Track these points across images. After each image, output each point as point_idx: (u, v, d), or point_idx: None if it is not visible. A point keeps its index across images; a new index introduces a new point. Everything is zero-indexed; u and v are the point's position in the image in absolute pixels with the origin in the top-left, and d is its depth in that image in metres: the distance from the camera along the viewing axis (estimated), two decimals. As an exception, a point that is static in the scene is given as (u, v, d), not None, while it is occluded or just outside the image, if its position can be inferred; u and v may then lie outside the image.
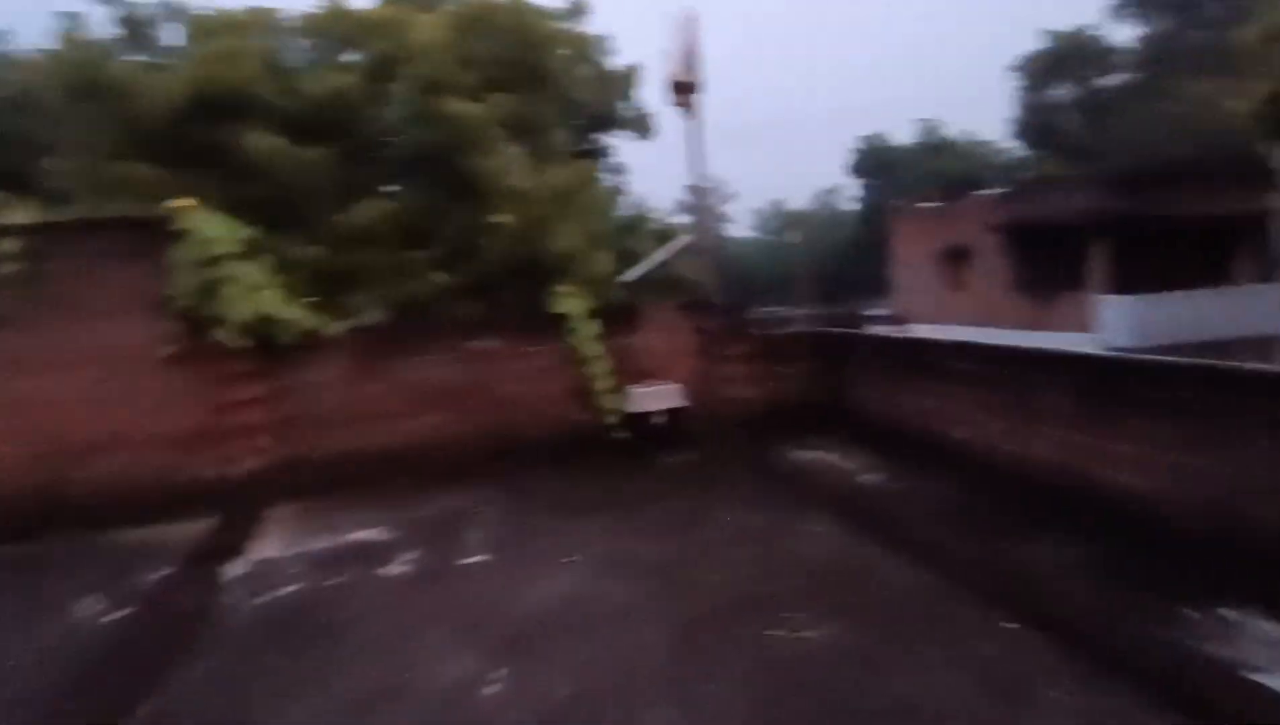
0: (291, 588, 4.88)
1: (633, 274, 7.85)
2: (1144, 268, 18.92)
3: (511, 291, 10.58)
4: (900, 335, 6.87)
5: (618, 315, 7.59)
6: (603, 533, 5.54)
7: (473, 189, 10.93)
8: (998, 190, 24.40)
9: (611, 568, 4.88)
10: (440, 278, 10.63)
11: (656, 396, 7.45)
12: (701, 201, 7.78)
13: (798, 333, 8.52)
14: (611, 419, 7.39)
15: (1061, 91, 38.90)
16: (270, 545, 5.70)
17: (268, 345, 6.68)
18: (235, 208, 11.87)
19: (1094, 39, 38.08)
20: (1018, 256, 21.93)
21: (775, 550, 5.04)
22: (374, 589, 4.78)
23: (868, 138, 49.14)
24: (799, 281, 31.19)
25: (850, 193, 53.52)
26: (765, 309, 41.39)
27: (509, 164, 11.14)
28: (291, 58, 12.91)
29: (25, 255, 6.14)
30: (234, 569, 5.26)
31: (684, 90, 7.52)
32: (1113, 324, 18.73)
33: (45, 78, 12.22)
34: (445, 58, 11.44)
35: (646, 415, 7.42)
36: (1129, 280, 18.95)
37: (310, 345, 6.83)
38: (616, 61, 16.23)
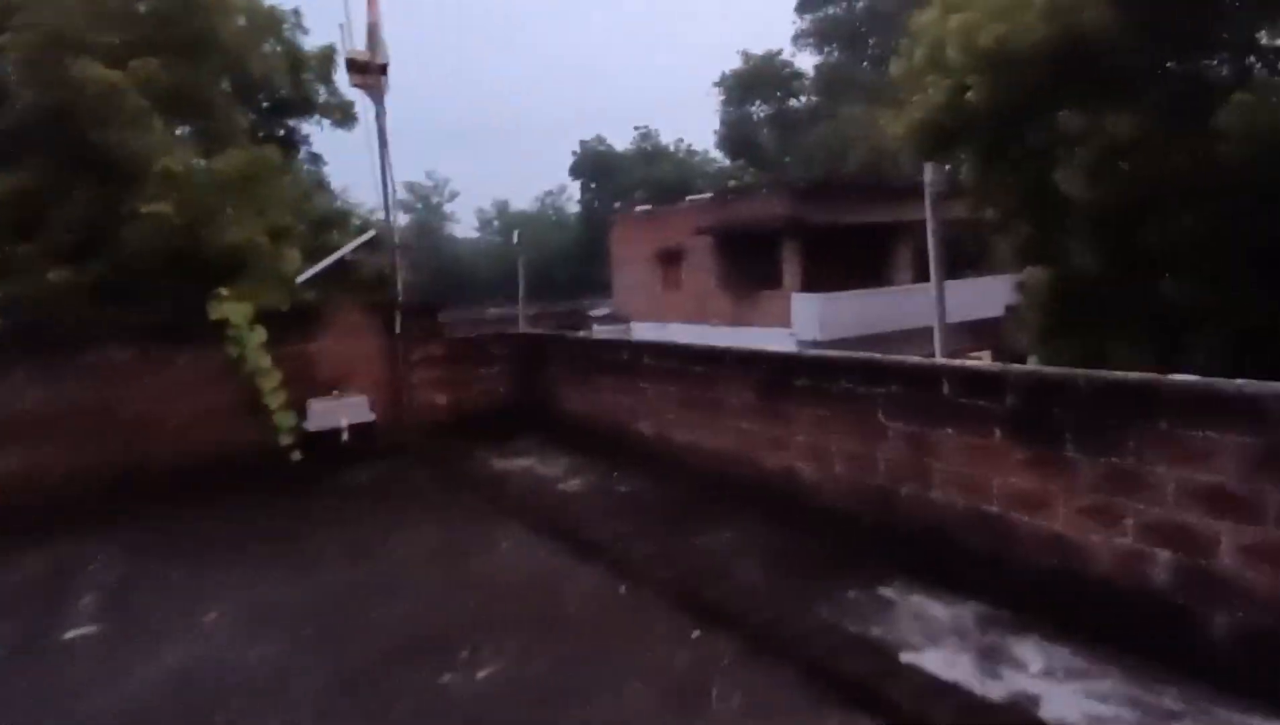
0: None
1: (310, 272, 6.87)
2: (827, 269, 21.09)
3: (165, 293, 8.99)
4: (597, 336, 6.68)
5: (293, 319, 6.61)
6: (253, 576, 4.66)
7: (108, 169, 9.11)
8: (705, 196, 26.01)
9: (259, 620, 4.06)
10: (59, 275, 8.72)
11: (340, 410, 6.59)
12: (388, 192, 7.02)
13: (498, 334, 8.06)
14: (285, 439, 6.40)
15: (758, 109, 42.66)
16: None
17: None
18: None
19: (784, 64, 42.25)
20: (724, 258, 23.48)
21: (460, 573, 4.54)
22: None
23: (588, 142, 50.35)
24: (523, 282, 30.98)
25: (573, 195, 54.62)
26: (491, 309, 40.80)
27: (163, 143, 9.47)
28: None
29: None
30: None
31: (365, 70, 6.73)
32: (803, 318, 20.67)
33: None
34: (73, 6, 9.45)
35: (329, 431, 6.54)
36: (815, 280, 21.04)
37: None
38: (311, 41, 14.74)
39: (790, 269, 21.51)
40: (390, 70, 7.04)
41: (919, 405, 4.00)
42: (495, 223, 56.18)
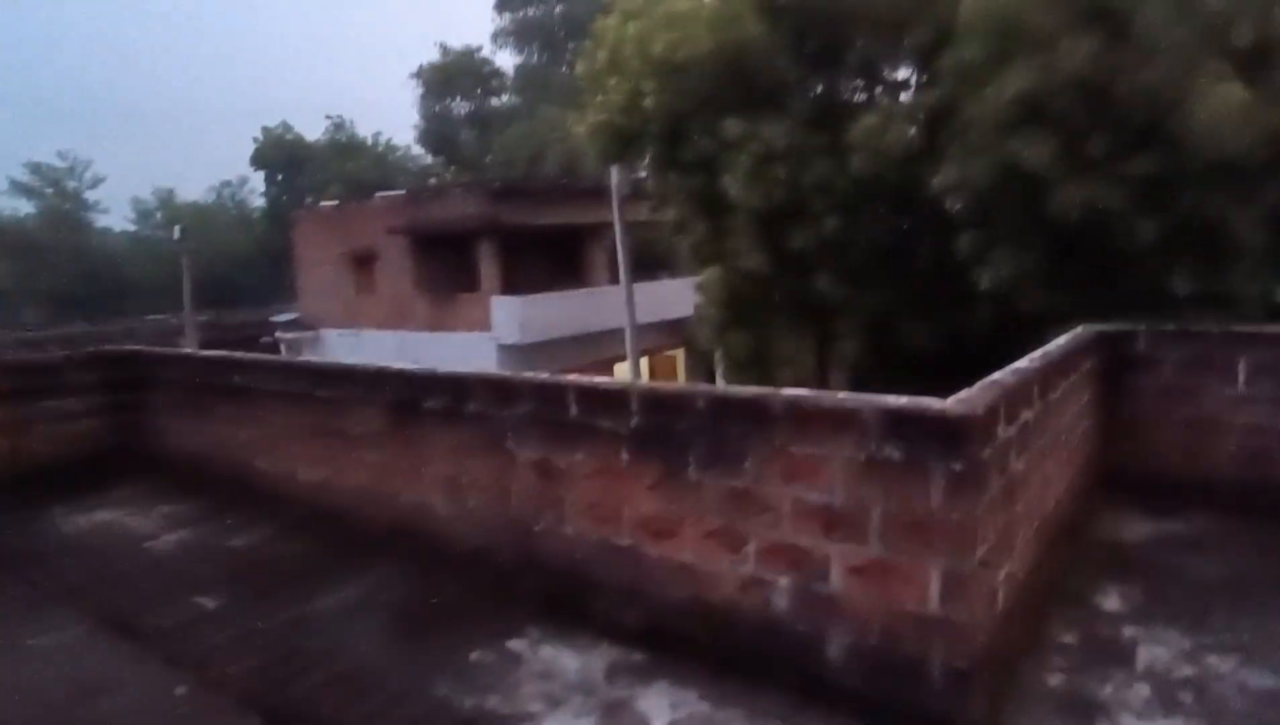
0: None
1: None
2: (526, 271, 20.83)
3: None
4: (211, 353, 5.54)
5: None
6: None
7: None
8: (398, 193, 24.50)
9: None
10: None
11: None
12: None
13: (84, 354, 6.42)
14: None
15: (458, 105, 41.54)
16: None
17: None
18: None
19: (483, 61, 41.54)
20: (420, 260, 22.25)
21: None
22: None
23: (272, 129, 45.73)
24: (190, 285, 27.10)
25: (256, 188, 49.43)
26: (150, 317, 35.36)
27: None
28: None
29: None
30: None
31: None
32: (503, 322, 20.18)
33: None
34: None
35: None
36: (515, 282, 20.64)
37: None
38: None
39: (489, 271, 20.91)
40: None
41: (549, 427, 3.55)
42: (158, 216, 48.69)
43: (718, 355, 15.13)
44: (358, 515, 4.54)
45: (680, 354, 23.70)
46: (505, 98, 41.56)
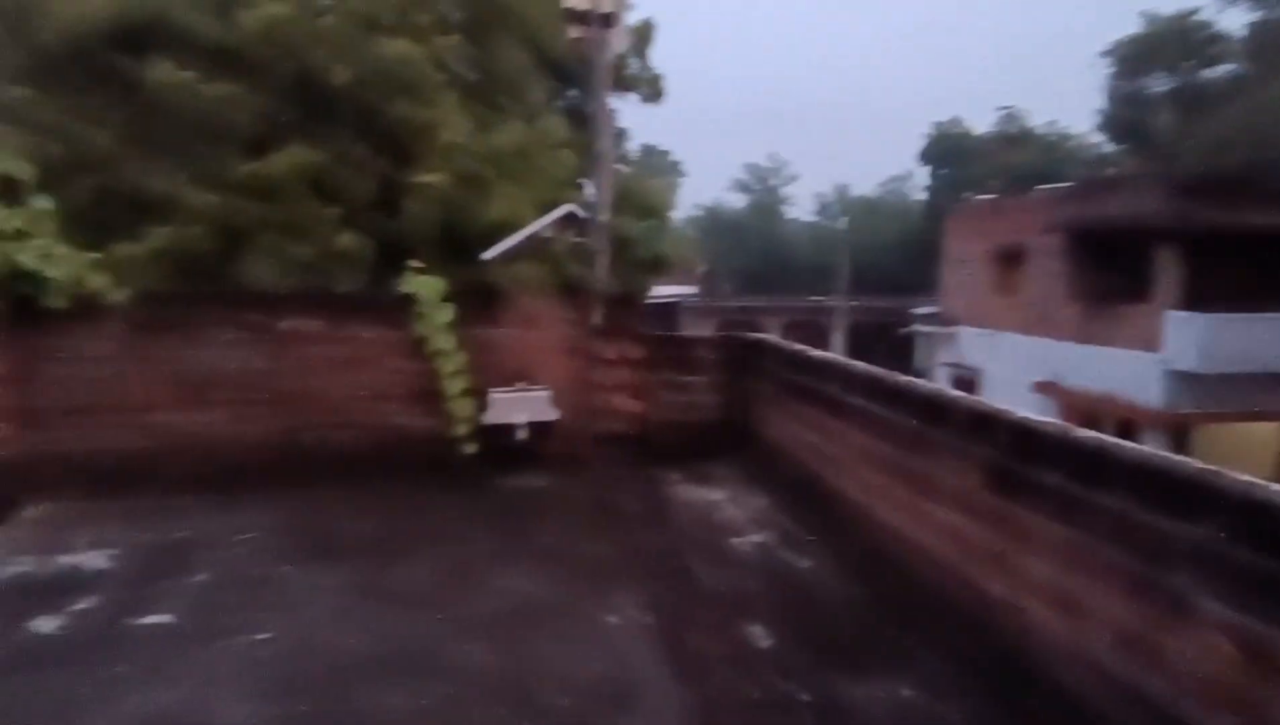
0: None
1: (498, 250, 6.30)
2: (1219, 284, 16.38)
3: (436, 262, 9.21)
4: (806, 349, 5.23)
5: (482, 300, 6.11)
6: (335, 593, 4.12)
7: (396, 143, 9.54)
8: (1062, 186, 21.80)
9: (283, 667, 3.44)
10: (347, 240, 9.30)
11: (521, 404, 5.96)
12: (603, 166, 6.20)
13: (709, 337, 6.85)
14: (461, 429, 5.94)
15: (1155, 81, 35.30)
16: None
17: (27, 308, 5.44)
18: (139, 145, 10.92)
19: (1200, 25, 34.35)
20: (1076, 261, 19.46)
21: (532, 652, 3.53)
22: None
23: (942, 124, 46.04)
24: (846, 272, 29.06)
25: (920, 182, 50.70)
26: (812, 298, 39.31)
27: (448, 117, 9.70)
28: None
29: None
30: None
31: (584, 20, 5.93)
32: (1179, 343, 16.33)
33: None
34: (388, -10, 10.03)
35: (506, 427, 5.94)
36: (1201, 296, 16.45)
37: (82, 313, 5.55)
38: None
39: (1166, 280, 17.07)
40: (620, 21, 6.18)
41: (1258, 577, 2.10)
42: (834, 208, 54.25)
43: None
44: (930, 581, 3.65)
45: None
46: (1226, 67, 33.64)
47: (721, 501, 5.51)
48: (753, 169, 55.65)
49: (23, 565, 4.49)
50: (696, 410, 6.34)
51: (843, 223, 31.79)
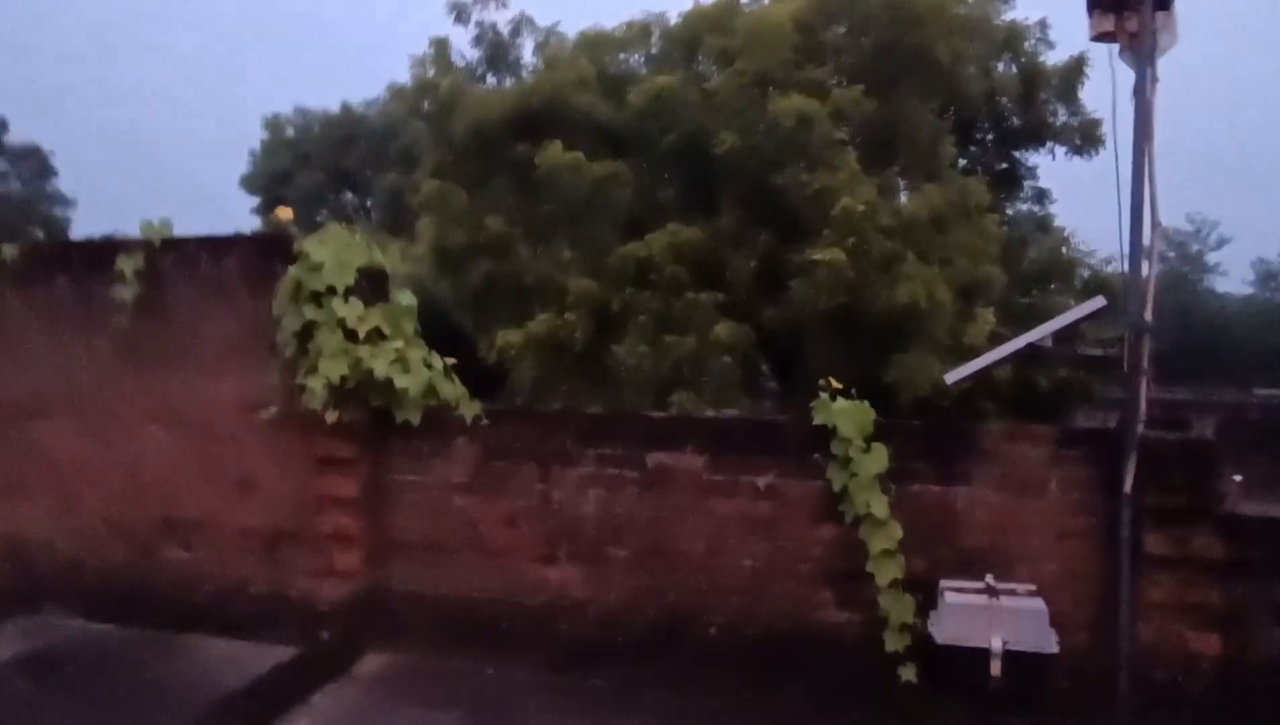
0: None
1: (976, 366, 4.13)
2: None
3: (825, 355, 7.41)
4: None
5: (929, 440, 4.06)
6: None
7: (787, 214, 7.99)
8: None
9: None
10: (727, 329, 7.85)
11: (993, 616, 3.73)
12: (1142, 224, 3.87)
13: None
14: (894, 641, 3.89)
15: None
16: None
17: (381, 421, 4.64)
18: (527, 227, 10.76)
19: None
20: None
21: None
22: None
23: None
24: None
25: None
26: (1259, 391, 30.53)
27: (848, 181, 7.94)
28: (629, 67, 11.32)
29: (142, 278, 4.92)
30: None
31: (1117, 9, 3.71)
32: None
33: (410, 104, 12.28)
34: (783, 44, 8.67)
35: (968, 652, 3.74)
36: None
37: (433, 430, 4.62)
38: (1049, 53, 11.93)
39: None
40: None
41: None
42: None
43: None
44: None
45: None
46: None
47: None
48: (1165, 233, 46.05)
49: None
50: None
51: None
